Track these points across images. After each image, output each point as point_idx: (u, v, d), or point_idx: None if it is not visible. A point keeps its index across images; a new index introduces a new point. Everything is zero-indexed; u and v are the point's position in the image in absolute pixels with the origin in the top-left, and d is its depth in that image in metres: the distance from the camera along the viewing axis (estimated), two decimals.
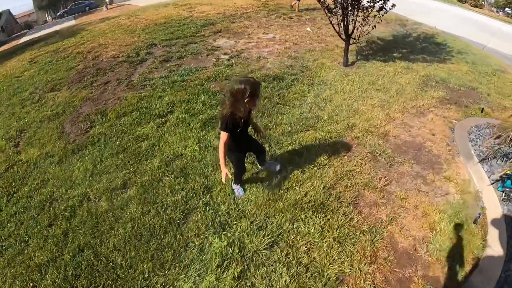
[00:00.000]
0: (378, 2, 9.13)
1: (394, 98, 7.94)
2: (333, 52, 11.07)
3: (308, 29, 13.29)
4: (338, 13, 9.36)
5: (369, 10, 9.21)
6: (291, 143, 5.80)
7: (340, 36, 9.81)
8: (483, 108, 7.97)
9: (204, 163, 5.27)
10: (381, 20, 9.38)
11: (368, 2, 9.11)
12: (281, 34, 12.83)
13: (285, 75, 9.06)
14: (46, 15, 43.66)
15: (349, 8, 9.09)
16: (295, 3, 16.71)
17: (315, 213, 4.29)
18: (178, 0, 23.95)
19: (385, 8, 9.26)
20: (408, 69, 10.11)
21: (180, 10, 19.17)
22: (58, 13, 39.78)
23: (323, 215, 4.29)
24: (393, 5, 9.37)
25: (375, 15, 9.31)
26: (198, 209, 4.42)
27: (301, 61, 10.29)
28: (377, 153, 5.82)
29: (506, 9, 42.64)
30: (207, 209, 4.42)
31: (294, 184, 4.77)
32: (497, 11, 39.83)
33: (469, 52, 13.09)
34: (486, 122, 7.40)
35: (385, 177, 5.23)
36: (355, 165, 5.41)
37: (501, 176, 5.27)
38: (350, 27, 9.67)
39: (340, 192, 4.73)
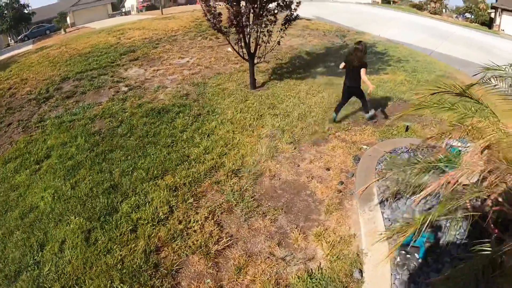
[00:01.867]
0: (281, 11, 7.80)
1: (293, 124, 6.53)
2: (246, 73, 9.66)
3: (229, 49, 11.95)
4: (229, 33, 8.00)
5: (271, 24, 7.88)
6: (137, 193, 4.93)
7: (242, 57, 8.37)
8: (407, 126, 6.49)
9: (51, 217, 4.73)
10: (285, 35, 8.08)
11: (266, 15, 7.74)
12: (197, 57, 11.55)
13: (174, 107, 7.91)
14: (9, 38, 42.12)
15: (249, 24, 7.69)
16: None
17: (124, 284, 3.49)
18: (124, 22, 23.24)
19: (289, 21, 8.01)
20: (327, 85, 8.72)
21: (109, 37, 18.08)
22: (19, 37, 38.34)
23: None
24: (297, 16, 8.11)
25: (281, 29, 8.01)
26: (29, 268, 3.94)
27: (202, 87, 9.08)
28: (234, 202, 4.33)
29: (466, 14, 42.90)
30: (36, 268, 3.93)
31: (116, 246, 3.98)
32: (456, 17, 39.84)
33: (411, 59, 11.83)
34: (409, 143, 5.88)
35: (229, 237, 3.87)
36: (196, 221, 4.16)
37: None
38: (253, 46, 8.28)
39: (163, 257, 3.80)
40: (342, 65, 6.43)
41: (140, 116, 7.69)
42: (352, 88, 6.40)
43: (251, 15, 7.75)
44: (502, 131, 3.02)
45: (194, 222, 4.15)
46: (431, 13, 38.36)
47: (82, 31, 29.09)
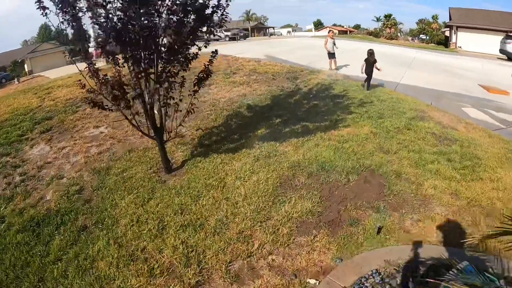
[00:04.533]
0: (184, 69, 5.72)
1: (205, 244, 4.24)
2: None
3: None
4: (111, 109, 5.78)
5: (182, 85, 5.80)
6: None
7: (146, 134, 6.15)
8: (380, 228, 4.33)
9: None
10: (197, 101, 6.02)
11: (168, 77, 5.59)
12: (113, 126, 9.17)
13: (57, 216, 5.63)
14: None
15: (149, 89, 5.50)
16: None
17: None
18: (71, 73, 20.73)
19: (199, 86, 6.00)
20: (270, 157, 6.58)
21: (34, 98, 15.43)
22: None
23: None
24: (210, 73, 6.06)
25: (191, 93, 5.96)
26: None
27: (103, 176, 6.75)
28: None
29: (421, 35, 43.24)
30: None
31: None
32: (412, 39, 39.89)
33: (375, 99, 9.96)
34: (383, 260, 3.64)
35: None
36: None
37: None
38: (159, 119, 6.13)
39: None
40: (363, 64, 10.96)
41: (16, 231, 5.34)
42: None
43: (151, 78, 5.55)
44: None
45: None
46: (387, 38, 38.29)
47: (35, 81, 26.61)
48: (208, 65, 6.20)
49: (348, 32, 70.43)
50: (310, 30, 65.70)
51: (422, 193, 5.35)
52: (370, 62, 10.84)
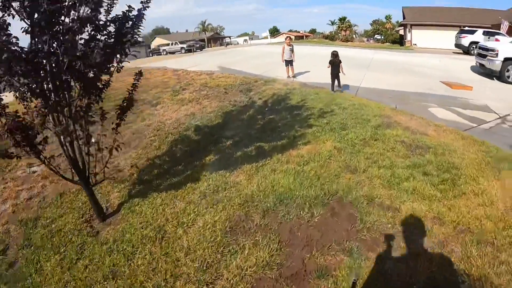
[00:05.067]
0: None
1: None
2: (100, 188, 6.21)
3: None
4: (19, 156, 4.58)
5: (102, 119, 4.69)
6: None
7: (68, 179, 4.98)
8: (354, 282, 3.45)
9: None
10: (122, 142, 4.99)
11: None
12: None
13: None
14: None
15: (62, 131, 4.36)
16: None
17: None
18: None
19: (121, 118, 4.94)
20: (218, 192, 5.59)
21: None
22: None
23: None
24: (131, 103, 5.03)
25: (114, 127, 4.86)
26: None
27: (31, 228, 5.49)
28: None
29: (376, 36, 43.95)
30: None
31: None
32: (368, 40, 40.47)
33: (336, 107, 9.15)
34: None
35: None
36: None
37: None
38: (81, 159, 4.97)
39: None
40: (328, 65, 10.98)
41: None
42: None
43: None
44: None
45: None
46: (343, 41, 38.50)
47: None
48: (131, 91, 5.11)
49: (305, 37, 71.11)
50: (266, 38, 65.66)
51: (400, 221, 4.46)
52: (336, 63, 10.96)
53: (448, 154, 6.33)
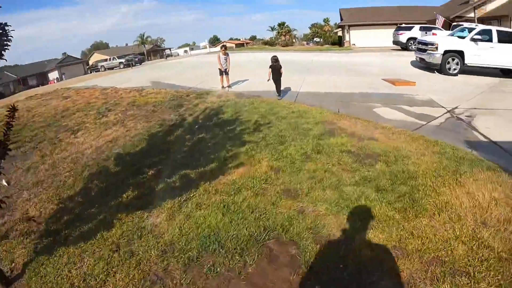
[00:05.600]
0: None
1: None
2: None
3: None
4: None
5: None
6: None
7: None
8: None
9: None
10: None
11: None
12: None
13: None
14: None
15: None
16: None
17: None
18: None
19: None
20: (133, 241, 4.38)
21: None
22: None
23: None
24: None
25: None
26: None
27: None
28: None
29: (315, 38, 44.55)
30: None
31: None
32: (307, 43, 40.90)
33: (273, 117, 8.25)
34: None
35: None
36: None
37: None
38: None
39: None
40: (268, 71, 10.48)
41: None
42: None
43: None
44: None
45: None
46: (282, 46, 38.53)
47: None
48: (6, 130, 3.76)
49: (245, 44, 71.06)
50: (205, 47, 64.85)
51: (353, 257, 3.52)
52: (277, 68, 10.49)
53: (401, 161, 5.57)
